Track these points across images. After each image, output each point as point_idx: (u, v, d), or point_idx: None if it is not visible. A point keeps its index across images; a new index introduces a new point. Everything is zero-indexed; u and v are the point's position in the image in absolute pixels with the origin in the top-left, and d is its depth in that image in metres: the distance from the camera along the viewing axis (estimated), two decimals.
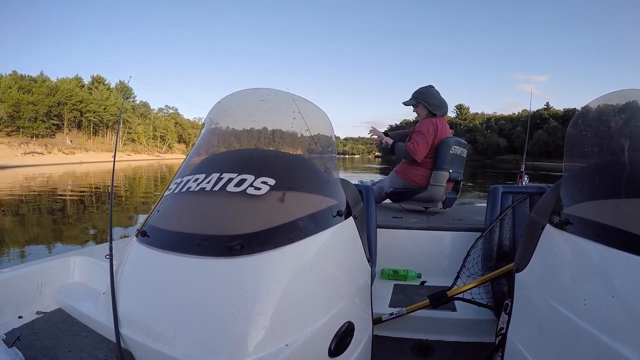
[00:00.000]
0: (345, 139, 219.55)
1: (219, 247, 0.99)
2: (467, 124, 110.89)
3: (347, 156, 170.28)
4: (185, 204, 1.18)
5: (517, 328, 1.26)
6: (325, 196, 1.19)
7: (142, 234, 1.14)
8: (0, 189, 17.37)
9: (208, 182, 1.13)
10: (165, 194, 1.24)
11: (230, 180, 1.11)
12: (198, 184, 1.14)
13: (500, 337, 1.36)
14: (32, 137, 51.16)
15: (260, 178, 1.10)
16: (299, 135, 1.30)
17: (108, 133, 64.55)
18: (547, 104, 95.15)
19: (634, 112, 1.28)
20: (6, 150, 39.67)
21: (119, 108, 62.80)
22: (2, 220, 10.21)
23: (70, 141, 55.89)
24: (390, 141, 3.17)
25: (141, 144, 71.25)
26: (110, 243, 1.32)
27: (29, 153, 41.93)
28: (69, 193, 16.67)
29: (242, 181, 1.10)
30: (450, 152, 2.88)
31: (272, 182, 1.10)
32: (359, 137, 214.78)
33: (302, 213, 1.09)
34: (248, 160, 1.24)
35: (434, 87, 3.06)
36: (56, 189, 18.57)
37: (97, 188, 18.69)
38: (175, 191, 1.19)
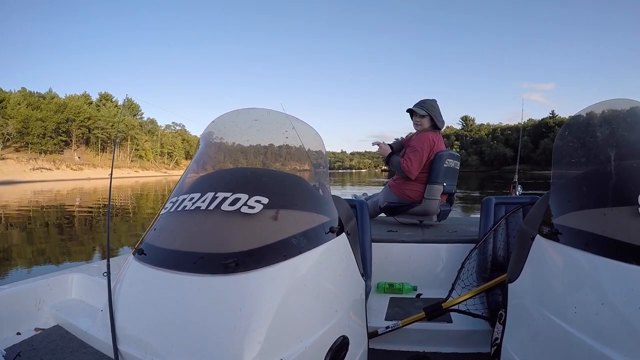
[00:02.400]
0: (352, 154, 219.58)
1: (215, 265, 1.00)
2: (472, 135, 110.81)
3: (354, 170, 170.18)
4: (181, 223, 1.19)
5: (511, 337, 1.27)
6: (317, 213, 1.20)
7: (139, 252, 1.15)
8: (9, 204, 17.58)
9: (203, 201, 1.14)
10: (162, 212, 1.26)
11: (224, 199, 1.12)
12: (193, 203, 1.16)
13: (495, 347, 1.36)
14: (40, 153, 51.56)
15: (254, 197, 1.12)
16: (291, 154, 1.33)
17: (116, 150, 65.32)
18: (553, 112, 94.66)
19: (619, 122, 1.30)
20: (15, 166, 40.12)
21: (125, 125, 63.60)
22: (10, 234, 10.34)
23: (79, 157, 56.43)
24: (386, 152, 3.13)
25: (148, 160, 71.86)
26: (108, 260, 1.33)
27: (38, 169, 42.35)
28: (76, 209, 16.84)
29: (236, 200, 1.11)
30: (444, 165, 2.88)
31: (265, 200, 1.12)
32: (366, 151, 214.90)
33: (295, 230, 1.10)
34: (242, 179, 1.26)
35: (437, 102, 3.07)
36: (64, 204, 18.76)
37: (105, 205, 18.89)
38: (171, 210, 1.21)
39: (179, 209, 1.19)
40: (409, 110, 3.05)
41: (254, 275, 0.99)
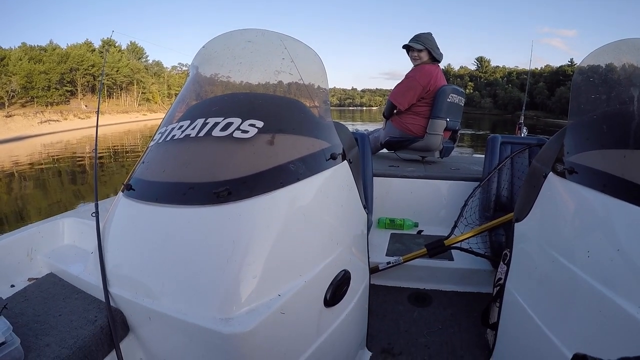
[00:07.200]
0: (363, 91, 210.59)
1: (205, 195, 0.91)
2: (487, 77, 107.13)
3: (364, 108, 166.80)
4: (170, 153, 1.09)
5: (515, 279, 1.22)
6: (317, 139, 1.09)
7: (128, 188, 1.06)
8: (20, 160, 17.86)
9: (193, 129, 1.04)
10: (150, 144, 1.16)
11: (216, 124, 1.02)
12: (183, 131, 1.05)
13: (498, 287, 1.32)
14: (46, 105, 50.78)
15: (248, 120, 1.01)
16: (288, 77, 1.21)
17: (122, 95, 64.43)
18: (571, 60, 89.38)
19: None
20: (22, 121, 39.56)
21: (131, 69, 62.48)
22: (25, 187, 10.67)
23: (85, 106, 55.66)
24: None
25: (156, 103, 70.77)
26: (96, 199, 1.25)
27: (45, 121, 41.84)
28: (87, 157, 17.20)
29: (228, 125, 1.01)
30: (448, 100, 2.73)
31: (260, 124, 1.01)
32: (377, 88, 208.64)
33: (293, 156, 1.00)
34: (234, 103, 1.14)
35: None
36: (75, 153, 19.07)
37: (115, 149, 19.28)
38: (160, 141, 1.11)
39: (168, 139, 1.08)
40: (405, 47, 2.89)
41: (248, 204, 0.90)
